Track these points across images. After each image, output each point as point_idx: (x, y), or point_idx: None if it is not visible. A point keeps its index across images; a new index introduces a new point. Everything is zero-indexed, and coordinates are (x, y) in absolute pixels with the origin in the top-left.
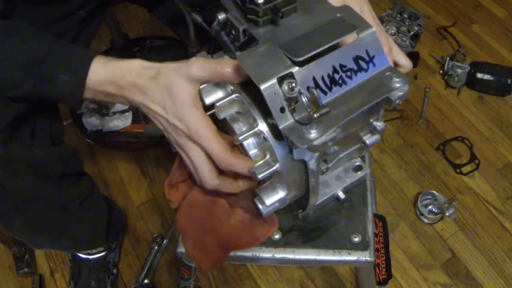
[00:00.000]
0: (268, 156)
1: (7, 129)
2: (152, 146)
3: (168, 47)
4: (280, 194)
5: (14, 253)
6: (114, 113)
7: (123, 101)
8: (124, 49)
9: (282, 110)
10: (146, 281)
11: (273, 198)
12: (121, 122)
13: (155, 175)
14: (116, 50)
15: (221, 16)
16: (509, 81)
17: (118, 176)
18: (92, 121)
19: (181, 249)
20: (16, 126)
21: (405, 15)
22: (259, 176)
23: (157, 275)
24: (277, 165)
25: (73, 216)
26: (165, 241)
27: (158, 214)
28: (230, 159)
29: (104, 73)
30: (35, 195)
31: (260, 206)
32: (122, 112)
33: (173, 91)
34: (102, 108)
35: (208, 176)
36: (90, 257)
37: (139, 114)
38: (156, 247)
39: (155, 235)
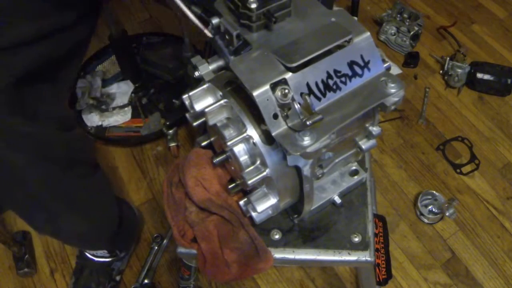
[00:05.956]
0: (258, 162)
1: (11, 92)
2: (152, 140)
3: (164, 43)
4: (272, 200)
5: (14, 253)
6: (114, 108)
7: None
8: (122, 47)
9: (275, 116)
10: (146, 281)
11: (265, 205)
12: (121, 117)
13: (155, 175)
14: (114, 47)
15: (215, 21)
16: (509, 81)
17: (118, 176)
18: (92, 117)
19: (181, 249)
20: (20, 95)
21: (405, 15)
22: (249, 182)
23: (157, 275)
24: (267, 170)
25: (75, 204)
26: (165, 241)
27: (158, 214)
28: None
29: None
30: (35, 173)
31: (252, 213)
32: (122, 107)
33: None
34: (102, 103)
35: None
36: (95, 258)
37: (138, 109)
38: (156, 247)
39: (155, 235)
